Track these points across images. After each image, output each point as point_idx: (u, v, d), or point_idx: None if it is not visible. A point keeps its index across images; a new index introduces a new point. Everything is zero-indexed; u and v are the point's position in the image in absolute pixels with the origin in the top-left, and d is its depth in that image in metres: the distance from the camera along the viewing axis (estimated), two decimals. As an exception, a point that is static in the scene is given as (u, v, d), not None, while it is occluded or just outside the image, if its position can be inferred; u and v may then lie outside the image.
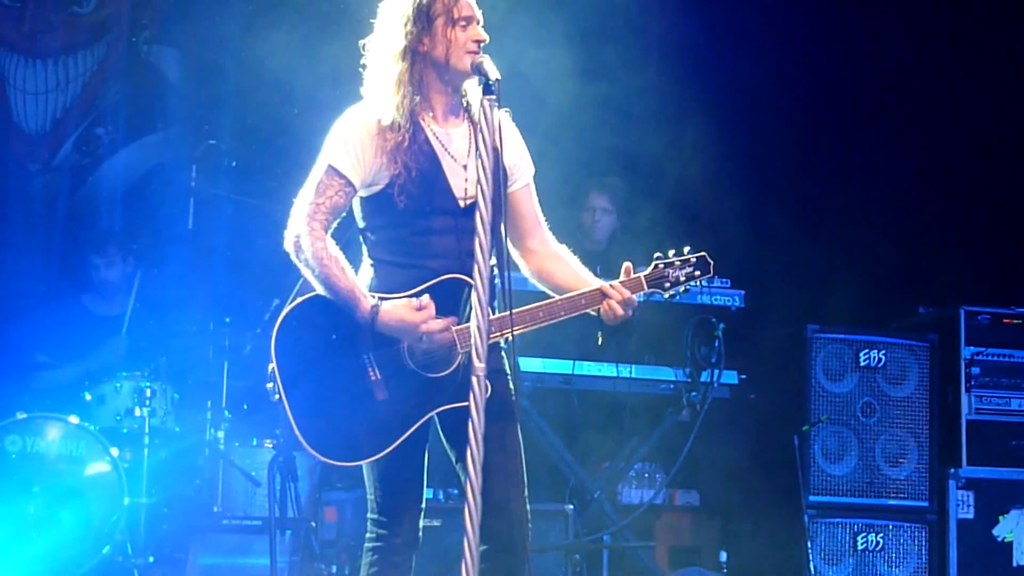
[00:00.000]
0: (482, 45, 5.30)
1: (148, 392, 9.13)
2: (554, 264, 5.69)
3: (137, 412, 9.09)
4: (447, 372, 5.26)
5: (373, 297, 5.21)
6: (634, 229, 10.14)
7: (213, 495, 9.24)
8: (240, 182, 10.30)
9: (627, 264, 5.62)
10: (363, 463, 5.29)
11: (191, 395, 9.44)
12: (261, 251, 9.79)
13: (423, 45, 5.30)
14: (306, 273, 5.24)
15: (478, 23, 5.34)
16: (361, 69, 5.50)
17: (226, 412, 9.31)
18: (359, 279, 5.29)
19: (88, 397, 9.16)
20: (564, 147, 9.31)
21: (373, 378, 5.22)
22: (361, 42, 5.49)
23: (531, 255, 5.65)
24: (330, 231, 5.29)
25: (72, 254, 10.52)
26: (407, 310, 5.20)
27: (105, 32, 11.14)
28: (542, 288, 5.68)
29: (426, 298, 5.22)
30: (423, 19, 5.29)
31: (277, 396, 5.18)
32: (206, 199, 9.79)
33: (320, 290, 5.23)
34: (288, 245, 5.28)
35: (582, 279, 5.62)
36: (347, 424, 5.21)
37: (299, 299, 5.28)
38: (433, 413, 5.29)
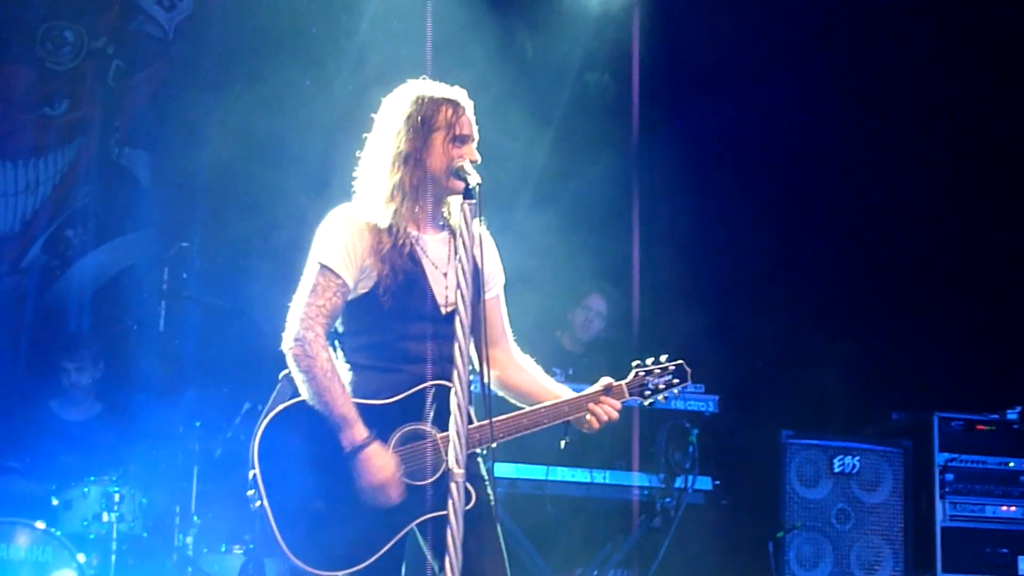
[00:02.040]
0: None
1: (116, 497, 9.00)
2: (518, 373, 5.70)
3: (105, 517, 8.97)
4: (432, 480, 5.21)
5: (366, 431, 5.14)
6: (602, 338, 10.17)
7: (181, 602, 9.12)
8: (211, 285, 10.27)
9: (607, 378, 5.64)
10: (346, 572, 5.19)
11: (160, 500, 9.31)
12: (232, 355, 9.76)
13: (420, 156, 5.30)
14: (300, 379, 5.17)
15: (473, 142, 5.37)
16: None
17: (195, 517, 9.20)
18: None
19: (55, 502, 9.04)
20: (529, 248, 9.34)
21: (358, 485, 5.15)
22: (357, 149, 5.48)
23: (496, 364, 5.62)
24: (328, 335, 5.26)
25: (40, 357, 10.43)
26: (392, 464, 5.16)
27: (76, 134, 11.12)
28: (504, 395, 5.68)
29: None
30: (424, 131, 5.29)
31: (258, 503, 5.08)
32: (177, 301, 9.74)
33: (308, 399, 5.16)
34: (289, 349, 5.19)
35: (547, 388, 5.65)
36: (331, 532, 5.13)
37: (281, 405, 5.20)
38: (418, 520, 5.22)
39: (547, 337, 9.69)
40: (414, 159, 5.29)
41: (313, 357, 5.13)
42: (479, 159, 5.32)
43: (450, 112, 5.31)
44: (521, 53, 10.49)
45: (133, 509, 9.15)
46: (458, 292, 4.79)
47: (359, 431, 5.13)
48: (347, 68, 10.06)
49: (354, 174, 5.48)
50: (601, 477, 9.02)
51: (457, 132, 5.30)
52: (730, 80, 10.75)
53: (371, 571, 5.18)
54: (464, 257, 4.81)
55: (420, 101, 5.34)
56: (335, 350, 5.32)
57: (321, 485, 5.14)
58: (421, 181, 5.31)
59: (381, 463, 5.13)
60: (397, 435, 5.23)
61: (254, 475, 5.10)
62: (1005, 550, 9.37)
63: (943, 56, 10.36)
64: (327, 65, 10.29)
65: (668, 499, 9.03)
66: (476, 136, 5.39)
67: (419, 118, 5.29)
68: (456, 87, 5.43)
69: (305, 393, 5.16)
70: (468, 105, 5.40)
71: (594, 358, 9.96)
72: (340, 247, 5.26)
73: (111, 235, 11.14)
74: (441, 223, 5.47)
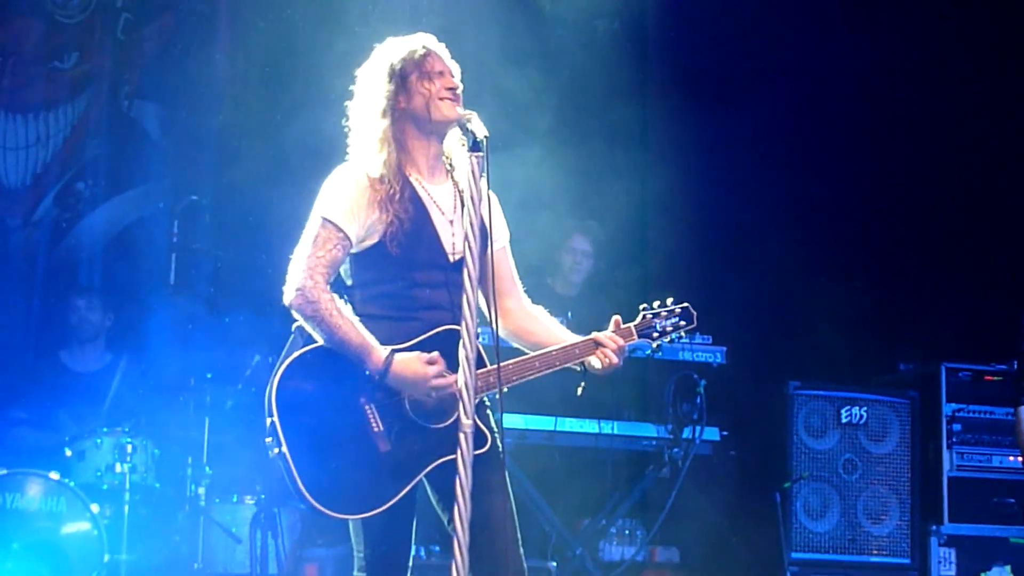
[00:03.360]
0: (457, 92, 5.42)
1: (129, 448, 9.06)
2: (531, 323, 5.77)
3: (118, 468, 9.03)
4: (447, 423, 5.26)
5: (385, 349, 5.21)
6: (605, 281, 10.18)
7: (193, 552, 9.17)
8: (221, 237, 10.30)
9: (616, 316, 5.73)
10: (368, 515, 5.24)
11: (172, 451, 9.37)
12: (242, 307, 9.78)
13: (400, 102, 5.42)
14: (309, 326, 5.24)
15: (451, 74, 5.45)
16: (345, 128, 5.55)
17: (207, 468, 9.25)
18: None
19: (68, 453, 9.10)
20: (540, 191, 9.36)
21: (375, 429, 5.20)
22: (346, 103, 5.55)
23: (508, 314, 5.71)
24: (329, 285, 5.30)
25: (51, 310, 10.48)
26: (419, 363, 5.23)
27: (86, 87, 11.14)
28: (517, 346, 5.74)
29: (436, 354, 5.25)
30: (397, 77, 5.42)
31: (276, 450, 5.13)
32: (188, 254, 9.77)
33: (325, 343, 5.22)
34: (290, 300, 5.26)
35: (559, 336, 5.71)
36: (350, 476, 5.17)
37: (296, 352, 5.25)
38: (435, 464, 5.27)
39: (540, 284, 9.71)
40: (394, 107, 5.41)
41: (315, 301, 5.20)
42: (459, 86, 5.41)
43: (418, 54, 5.44)
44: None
45: (145, 460, 9.22)
46: (466, 244, 4.83)
47: (380, 352, 5.20)
48: (357, 14, 10.03)
49: (347, 140, 5.56)
50: (609, 428, 9.04)
51: (427, 68, 5.41)
52: (740, 26, 10.69)
53: (388, 515, 5.24)
54: (472, 210, 4.84)
55: (390, 53, 5.48)
56: (345, 303, 5.36)
57: (339, 430, 5.19)
58: (408, 125, 5.43)
59: (414, 366, 5.22)
60: None
61: (272, 422, 5.14)
62: (1012, 500, 9.40)
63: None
64: (339, 15, 10.28)
65: (676, 450, 9.05)
66: (451, 68, 5.48)
67: (391, 67, 5.43)
68: (424, 33, 5.56)
69: (319, 337, 5.23)
70: (437, 47, 5.52)
71: (593, 298, 9.97)
72: (343, 201, 5.32)
73: (121, 188, 11.17)
74: (444, 172, 5.55)
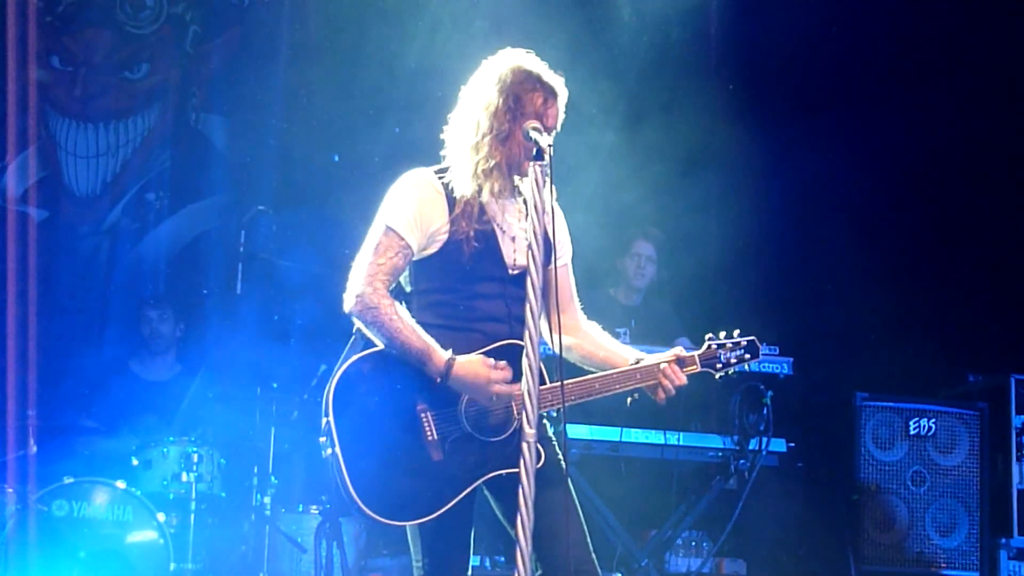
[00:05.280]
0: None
1: (195, 457, 9.11)
2: (585, 339, 5.78)
3: (184, 477, 9.08)
4: (503, 437, 5.26)
5: (447, 351, 5.22)
6: (668, 290, 10.17)
7: (259, 561, 9.20)
8: (286, 248, 10.35)
9: (679, 348, 5.73)
10: (412, 523, 5.27)
11: (237, 461, 9.41)
12: (308, 317, 9.82)
13: (505, 134, 5.32)
14: (370, 332, 5.26)
15: (553, 132, 5.38)
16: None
17: (272, 478, 9.29)
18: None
19: (135, 462, 9.15)
20: (605, 197, 9.36)
21: (430, 438, 5.22)
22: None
23: (564, 330, 5.67)
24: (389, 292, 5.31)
25: (121, 318, 10.56)
26: (483, 366, 5.24)
27: (156, 98, 11.25)
28: (573, 361, 5.75)
29: (503, 362, 5.26)
30: (515, 110, 5.32)
31: (329, 451, 5.16)
32: (254, 264, 9.81)
33: (385, 347, 5.24)
34: (350, 307, 5.28)
35: (612, 351, 5.75)
36: (400, 482, 5.20)
37: (356, 356, 5.28)
38: (486, 478, 5.29)
39: (601, 296, 9.70)
40: (498, 139, 5.33)
41: (375, 307, 5.22)
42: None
43: (540, 101, 5.35)
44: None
45: (211, 469, 9.26)
46: (529, 253, 4.83)
47: (441, 355, 5.21)
48: (428, 24, 10.07)
49: (443, 129, 5.53)
50: (675, 439, 9.00)
51: (542, 123, 5.29)
52: (809, 31, 10.63)
53: (439, 525, 5.26)
54: (535, 219, 4.83)
55: (517, 80, 5.37)
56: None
57: (393, 435, 5.22)
58: (500, 162, 5.35)
59: (475, 368, 5.23)
60: None
61: (327, 422, 5.17)
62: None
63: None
64: (403, 32, 10.32)
65: (742, 461, 9.00)
66: (559, 127, 5.42)
67: (512, 97, 5.32)
68: (556, 74, 5.44)
69: (380, 342, 5.25)
70: (562, 95, 5.43)
71: (652, 308, 9.97)
72: (408, 210, 5.33)
73: (188, 199, 11.26)
74: (514, 192, 5.52)
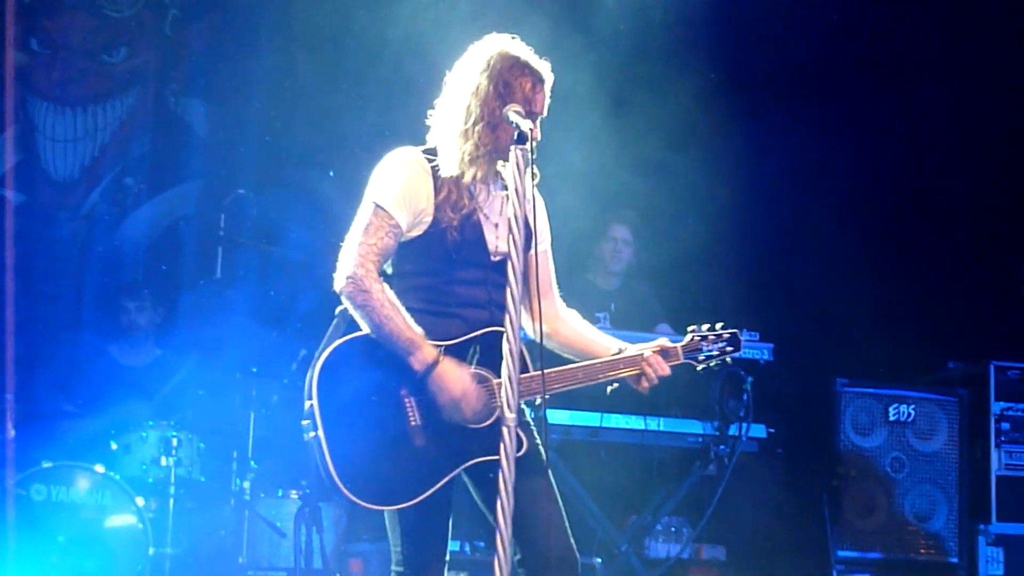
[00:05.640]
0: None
1: (174, 442, 9.08)
2: (564, 327, 5.78)
3: (163, 462, 9.04)
4: (486, 424, 5.25)
5: (436, 348, 5.21)
6: (648, 274, 10.17)
7: (238, 546, 9.20)
8: (266, 232, 10.32)
9: (663, 339, 5.77)
10: (394, 508, 5.25)
11: (217, 445, 9.40)
12: (288, 301, 9.80)
13: (493, 119, 5.29)
14: (358, 315, 5.23)
15: (539, 118, 5.38)
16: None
17: (252, 462, 9.28)
18: None
19: (114, 446, 9.13)
20: (584, 180, 9.35)
21: (413, 423, 5.20)
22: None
23: (543, 317, 5.65)
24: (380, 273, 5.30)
25: (100, 302, 10.53)
26: (469, 379, 5.23)
27: (134, 82, 11.20)
28: (551, 348, 5.74)
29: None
30: (504, 95, 5.29)
31: (312, 434, 5.13)
32: (234, 248, 9.78)
33: (372, 333, 5.21)
34: (341, 287, 5.25)
35: (590, 339, 5.77)
36: (382, 467, 5.18)
37: (340, 340, 5.26)
38: (468, 464, 5.27)
39: (579, 281, 9.69)
40: (489, 125, 5.29)
41: (367, 291, 5.19)
42: (539, 137, 5.30)
43: (528, 86, 5.33)
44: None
45: (191, 454, 9.24)
46: (510, 237, 4.77)
47: (428, 350, 5.19)
48: (410, 6, 10.03)
49: (426, 112, 5.51)
50: (655, 424, 9.02)
51: (529, 108, 5.29)
52: (791, 15, 10.62)
53: (417, 511, 5.24)
54: (516, 203, 4.81)
55: (506, 66, 5.34)
56: None
57: (376, 420, 5.20)
58: (491, 148, 5.33)
59: (457, 375, 5.20)
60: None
61: (310, 406, 5.15)
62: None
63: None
64: (386, 15, 10.28)
65: (722, 447, 9.02)
66: (545, 113, 5.42)
67: (502, 83, 5.29)
68: (542, 60, 5.42)
69: (367, 327, 5.21)
70: (548, 81, 5.42)
71: (634, 291, 9.98)
72: (397, 189, 5.30)
73: (168, 184, 11.22)
74: (498, 180, 5.50)
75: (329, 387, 5.18)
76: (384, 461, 5.18)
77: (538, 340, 5.23)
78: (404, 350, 5.18)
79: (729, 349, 5.88)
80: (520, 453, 5.08)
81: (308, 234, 9.94)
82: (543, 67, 5.41)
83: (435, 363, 5.17)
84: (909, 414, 9.27)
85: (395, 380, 5.21)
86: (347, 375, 5.21)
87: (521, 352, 5.03)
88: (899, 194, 10.76)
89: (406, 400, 5.21)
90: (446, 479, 5.25)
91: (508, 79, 5.30)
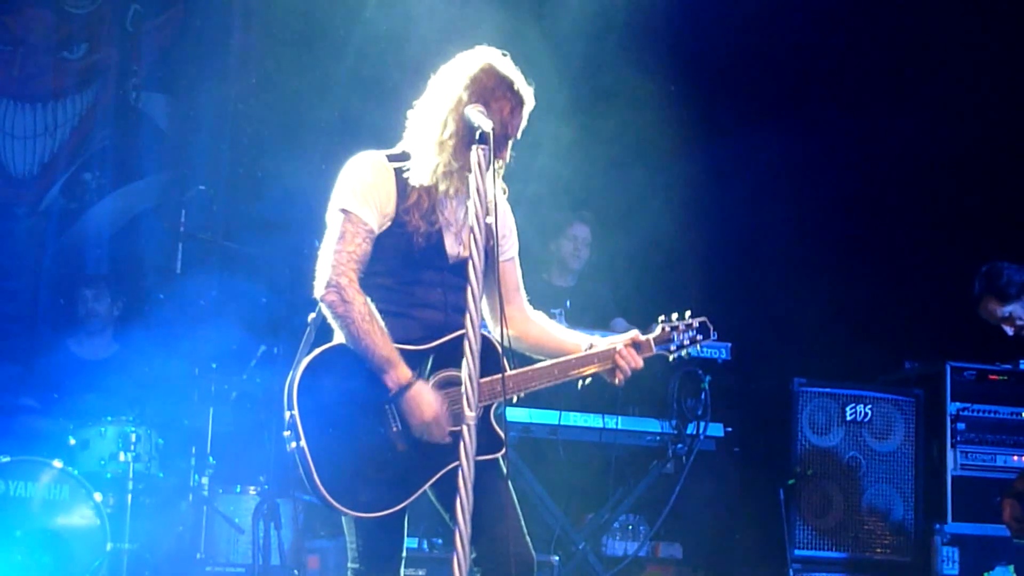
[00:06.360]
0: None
1: (133, 437, 9.05)
2: (533, 327, 5.78)
3: (122, 457, 9.01)
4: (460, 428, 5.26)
5: (410, 372, 5.19)
6: (607, 273, 10.20)
7: (196, 542, 9.18)
8: (227, 227, 10.31)
9: (635, 331, 5.76)
10: (382, 514, 5.22)
11: (176, 441, 9.37)
12: (248, 297, 9.79)
13: (468, 134, 5.15)
14: (336, 324, 5.20)
15: (513, 140, 5.38)
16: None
17: (211, 458, 9.26)
18: None
19: (72, 441, 9.10)
20: (542, 177, 9.36)
21: (395, 428, 5.20)
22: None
23: (511, 321, 5.66)
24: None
25: (59, 298, 10.50)
26: (440, 405, 5.21)
27: (95, 78, 11.17)
28: (520, 351, 5.75)
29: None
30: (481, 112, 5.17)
31: (294, 444, 5.10)
32: (195, 244, 9.76)
33: (347, 343, 5.19)
34: (321, 295, 5.21)
35: (558, 338, 5.76)
36: (367, 475, 5.17)
37: (319, 349, 5.22)
38: (449, 467, 5.22)
39: (534, 281, 9.70)
40: (464, 141, 5.19)
41: (350, 302, 5.16)
42: (508, 159, 5.32)
43: (508, 110, 5.29)
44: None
45: (149, 449, 9.21)
46: (471, 237, 4.73)
47: (403, 371, 5.17)
48: (371, 7, 10.02)
49: (393, 107, 5.50)
50: (613, 423, 9.04)
51: (504, 132, 5.27)
52: (752, 21, 10.66)
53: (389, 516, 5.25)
54: (477, 202, 4.80)
55: (489, 86, 5.28)
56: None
57: (358, 429, 5.18)
58: (462, 162, 5.25)
59: (429, 399, 5.19)
60: (432, 381, 5.29)
61: (291, 416, 5.12)
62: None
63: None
64: (350, 10, 10.27)
65: (680, 445, 9.06)
66: (518, 136, 5.39)
67: (481, 103, 5.19)
68: (527, 84, 5.37)
69: (344, 338, 5.19)
70: (528, 105, 5.38)
71: (587, 289, 10.01)
72: (362, 192, 5.28)
73: (128, 179, 11.20)
74: (467, 189, 5.48)
75: (309, 397, 5.15)
76: (368, 469, 5.17)
77: (504, 344, 5.25)
78: (379, 367, 5.17)
79: (700, 337, 5.91)
80: (500, 454, 5.21)
81: (268, 231, 9.93)
82: (527, 92, 5.37)
83: (408, 385, 5.16)
84: (866, 414, 9.33)
85: (376, 388, 5.19)
86: (327, 385, 5.18)
87: (498, 354, 5.12)
88: (856, 196, 10.83)
89: (387, 406, 5.20)
90: (430, 482, 5.27)
91: (488, 100, 5.24)
